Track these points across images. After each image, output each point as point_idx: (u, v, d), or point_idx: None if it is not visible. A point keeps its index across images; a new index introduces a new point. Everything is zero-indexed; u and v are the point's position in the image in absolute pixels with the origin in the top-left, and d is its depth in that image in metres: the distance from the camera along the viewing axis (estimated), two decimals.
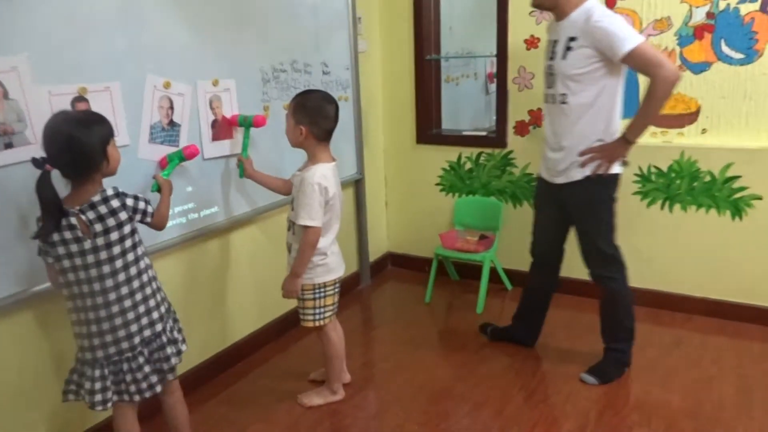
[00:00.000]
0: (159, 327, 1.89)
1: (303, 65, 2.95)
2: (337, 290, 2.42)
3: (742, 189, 2.92)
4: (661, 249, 3.15)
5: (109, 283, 1.77)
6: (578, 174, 2.42)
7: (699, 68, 2.92)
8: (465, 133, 3.67)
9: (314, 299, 2.36)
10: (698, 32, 2.89)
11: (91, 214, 1.72)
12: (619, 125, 2.40)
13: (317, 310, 2.37)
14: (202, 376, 2.63)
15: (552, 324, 3.09)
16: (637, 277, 3.24)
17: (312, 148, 2.31)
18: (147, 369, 1.86)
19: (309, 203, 2.22)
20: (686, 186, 3.03)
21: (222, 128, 2.54)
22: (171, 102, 2.31)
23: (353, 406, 2.49)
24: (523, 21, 3.22)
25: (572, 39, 2.32)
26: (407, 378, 2.68)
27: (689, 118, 3.01)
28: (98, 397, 1.81)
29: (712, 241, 3.03)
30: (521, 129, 3.37)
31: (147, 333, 1.86)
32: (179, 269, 2.49)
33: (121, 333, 1.80)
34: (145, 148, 2.22)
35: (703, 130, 2.99)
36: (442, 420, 2.37)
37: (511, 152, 3.43)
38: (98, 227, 1.73)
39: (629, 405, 2.41)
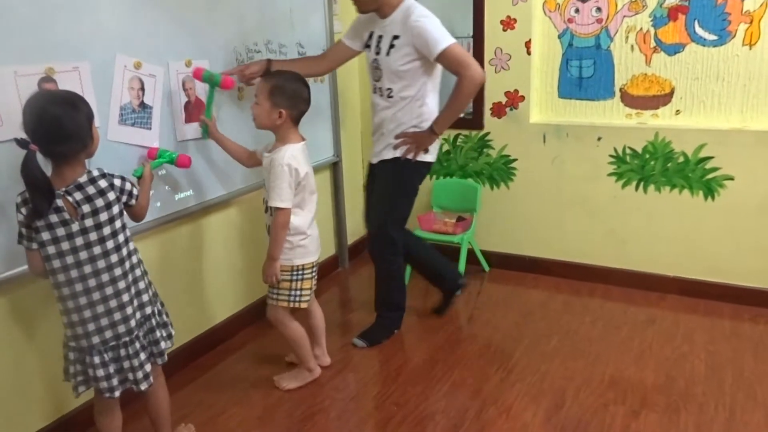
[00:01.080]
0: (148, 310, 1.88)
1: (278, 46, 2.90)
2: (314, 274, 2.41)
3: (714, 170, 2.95)
4: (636, 229, 3.19)
5: (101, 264, 1.73)
6: (389, 154, 2.63)
7: (673, 49, 2.94)
8: None
9: (291, 281, 2.35)
10: (672, 13, 2.90)
11: (78, 195, 1.68)
12: (433, 116, 2.58)
13: (293, 292, 2.36)
14: (179, 361, 2.60)
15: (528, 304, 3.13)
16: (612, 257, 3.29)
17: (285, 131, 2.29)
18: (143, 356, 1.84)
19: (279, 185, 2.21)
20: (660, 167, 3.06)
21: (195, 110, 2.49)
22: (142, 83, 2.25)
23: (332, 388, 2.49)
24: (500, 2, 3.21)
25: (396, 37, 2.47)
26: (385, 360, 2.69)
27: (663, 99, 3.03)
28: (104, 384, 1.79)
29: (685, 222, 3.07)
30: (498, 111, 3.37)
31: (138, 316, 1.84)
32: (154, 254, 2.45)
33: (117, 316, 1.77)
34: (114, 129, 2.17)
35: (677, 112, 3.02)
36: (420, 401, 2.38)
37: (488, 134, 3.43)
38: (86, 208, 1.69)
39: (604, 383, 2.44)
